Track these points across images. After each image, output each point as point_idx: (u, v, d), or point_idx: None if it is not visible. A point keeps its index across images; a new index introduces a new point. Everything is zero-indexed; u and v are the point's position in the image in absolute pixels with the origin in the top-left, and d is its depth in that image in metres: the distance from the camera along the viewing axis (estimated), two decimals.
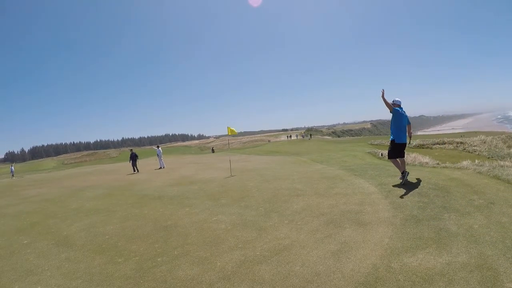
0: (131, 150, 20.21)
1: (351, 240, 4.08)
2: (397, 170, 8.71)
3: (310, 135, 74.57)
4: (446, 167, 8.74)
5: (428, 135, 56.59)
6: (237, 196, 7.77)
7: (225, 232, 5.05)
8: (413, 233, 4.06)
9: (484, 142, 22.00)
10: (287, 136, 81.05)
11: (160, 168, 19.51)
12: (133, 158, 18.79)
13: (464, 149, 21.35)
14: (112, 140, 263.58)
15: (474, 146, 21.38)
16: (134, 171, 18.36)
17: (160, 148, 21.44)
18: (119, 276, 3.85)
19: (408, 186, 6.58)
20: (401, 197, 5.83)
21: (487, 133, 32.53)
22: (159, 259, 4.22)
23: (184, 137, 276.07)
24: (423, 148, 23.60)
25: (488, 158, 17.49)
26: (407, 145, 7.05)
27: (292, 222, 5.16)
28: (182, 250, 4.46)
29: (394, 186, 6.73)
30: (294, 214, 5.58)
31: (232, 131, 13.06)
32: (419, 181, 6.93)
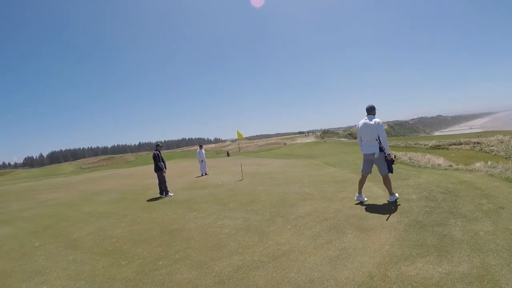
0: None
1: (351, 246, 4.02)
2: (406, 173, 8.48)
3: (322, 137, 75.62)
4: (457, 169, 8.49)
5: (445, 135, 55.25)
6: (245, 200, 7.80)
7: (227, 236, 5.07)
8: (415, 240, 3.95)
9: (502, 142, 21.15)
10: (305, 135, 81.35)
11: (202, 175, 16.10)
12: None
13: (481, 149, 20.66)
14: (129, 144, 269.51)
15: (491, 146, 20.62)
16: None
17: (203, 150, 17.42)
18: (120, 278, 3.94)
19: (417, 189, 6.44)
20: (408, 201, 5.70)
21: (505, 133, 31.32)
22: (160, 263, 4.28)
23: (201, 141, 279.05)
24: (439, 149, 23.03)
25: (506, 158, 16.87)
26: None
27: (295, 227, 5.13)
28: (183, 254, 4.51)
29: (403, 190, 6.59)
30: (298, 219, 5.55)
31: (240, 135, 13.16)
32: (428, 184, 6.77)
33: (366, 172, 6.13)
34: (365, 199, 6.22)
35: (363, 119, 6.01)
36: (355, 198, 6.29)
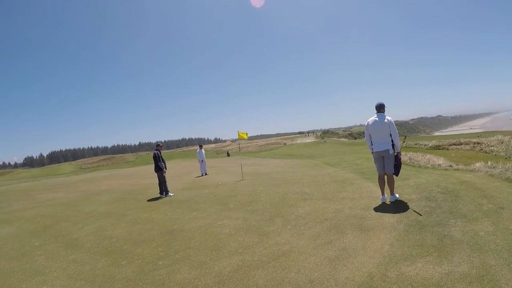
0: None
1: (351, 246, 4.02)
2: (406, 173, 8.41)
3: (322, 137, 78.01)
4: (457, 169, 8.50)
5: (445, 135, 55.28)
6: (245, 200, 7.80)
7: (227, 236, 5.08)
8: (415, 240, 3.95)
9: (502, 142, 21.16)
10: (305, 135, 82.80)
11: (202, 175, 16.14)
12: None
13: (481, 149, 20.66)
14: (129, 144, 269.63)
15: (491, 147, 20.62)
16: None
17: (203, 150, 17.37)
18: (120, 278, 3.94)
19: (417, 190, 6.43)
20: (408, 201, 5.70)
21: (504, 133, 31.30)
22: (160, 263, 4.29)
23: (201, 141, 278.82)
24: (439, 149, 23.04)
25: (506, 158, 16.87)
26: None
27: (295, 227, 5.14)
28: (183, 254, 4.52)
29: (403, 190, 6.59)
30: (298, 219, 5.55)
31: (242, 135, 13.13)
32: (428, 184, 6.77)
33: (382, 170, 6.03)
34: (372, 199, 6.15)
35: (373, 117, 5.96)
36: (380, 201, 6.07)
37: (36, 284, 4.07)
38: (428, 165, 10.51)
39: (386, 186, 5.99)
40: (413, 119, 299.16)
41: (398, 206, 5.49)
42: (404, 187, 6.80)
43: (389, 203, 5.84)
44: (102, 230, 6.38)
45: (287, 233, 4.87)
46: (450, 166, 9.99)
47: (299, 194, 7.73)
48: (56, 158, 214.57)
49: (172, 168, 21.25)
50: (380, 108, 5.94)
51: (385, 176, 5.99)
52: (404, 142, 5.84)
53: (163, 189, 9.97)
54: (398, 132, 5.83)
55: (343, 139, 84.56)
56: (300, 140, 78.24)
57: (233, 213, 6.62)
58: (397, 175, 5.99)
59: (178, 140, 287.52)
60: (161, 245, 5.04)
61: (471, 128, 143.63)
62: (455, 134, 58.81)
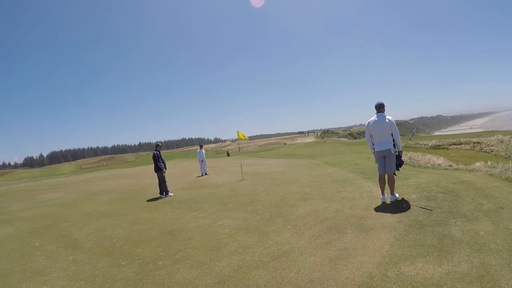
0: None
1: (351, 246, 4.02)
2: (406, 173, 8.42)
3: (322, 137, 78.91)
4: (457, 169, 8.50)
5: (445, 135, 55.19)
6: (246, 200, 7.80)
7: (227, 236, 5.08)
8: (415, 240, 3.95)
9: (502, 142, 21.10)
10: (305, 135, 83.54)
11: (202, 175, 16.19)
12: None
13: (481, 149, 20.59)
14: (129, 144, 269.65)
15: (491, 146, 20.55)
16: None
17: (203, 150, 17.36)
18: (120, 278, 3.94)
19: (417, 189, 6.43)
20: (408, 201, 5.70)
21: (504, 132, 31.24)
22: (160, 263, 4.29)
23: (201, 141, 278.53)
24: (439, 148, 22.98)
25: (506, 158, 16.85)
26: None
27: (295, 227, 5.14)
28: (183, 254, 4.52)
29: (403, 190, 6.59)
30: (298, 219, 5.55)
31: (242, 135, 13.14)
32: (428, 184, 6.77)
33: (383, 170, 6.03)
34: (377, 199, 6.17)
35: (373, 117, 5.97)
36: (380, 201, 6.07)
37: (36, 284, 4.07)
38: (428, 165, 10.51)
39: (386, 186, 6.00)
40: (413, 119, 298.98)
41: (398, 206, 5.49)
42: (404, 187, 6.80)
43: (389, 203, 5.84)
44: (102, 230, 6.38)
45: (287, 233, 4.87)
46: (450, 165, 9.99)
47: (299, 194, 7.73)
48: (56, 158, 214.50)
49: (172, 168, 21.25)
50: (379, 107, 5.94)
51: (386, 176, 6.00)
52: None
53: (163, 189, 9.98)
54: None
55: (343, 139, 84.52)
56: (300, 140, 78.16)
57: (233, 213, 6.62)
58: (396, 172, 6.01)
59: (178, 140, 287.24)
60: (161, 245, 5.04)
61: (471, 128, 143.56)
62: (455, 134, 58.74)
